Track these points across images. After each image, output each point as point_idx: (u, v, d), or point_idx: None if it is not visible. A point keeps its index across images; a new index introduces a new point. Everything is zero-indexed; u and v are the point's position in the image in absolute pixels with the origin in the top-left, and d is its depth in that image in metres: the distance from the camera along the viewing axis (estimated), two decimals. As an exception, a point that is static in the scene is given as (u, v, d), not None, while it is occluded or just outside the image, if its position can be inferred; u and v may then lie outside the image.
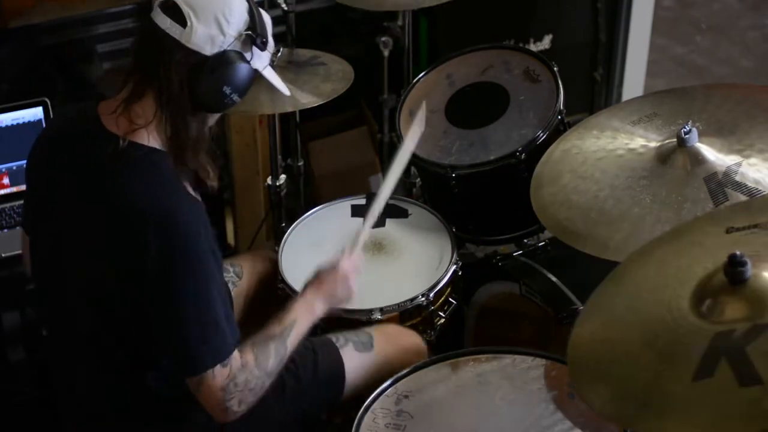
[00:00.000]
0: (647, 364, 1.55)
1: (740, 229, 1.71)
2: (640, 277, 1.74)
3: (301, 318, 2.01)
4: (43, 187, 1.99)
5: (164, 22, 1.84)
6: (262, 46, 1.90)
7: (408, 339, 2.30)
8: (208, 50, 1.84)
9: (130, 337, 1.92)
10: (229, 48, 1.85)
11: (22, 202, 2.78)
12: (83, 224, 1.89)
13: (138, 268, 1.82)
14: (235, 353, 1.88)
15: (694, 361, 1.50)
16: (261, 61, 1.93)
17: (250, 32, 1.87)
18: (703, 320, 1.55)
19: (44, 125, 2.83)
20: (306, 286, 2.12)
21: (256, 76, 1.94)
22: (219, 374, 1.85)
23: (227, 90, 1.86)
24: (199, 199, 1.93)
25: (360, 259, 2.18)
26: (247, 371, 1.88)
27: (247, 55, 1.88)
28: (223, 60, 1.85)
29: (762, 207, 1.79)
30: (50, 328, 2.13)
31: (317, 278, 2.11)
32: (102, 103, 1.93)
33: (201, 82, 1.84)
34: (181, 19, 1.83)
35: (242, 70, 1.87)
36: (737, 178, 2.01)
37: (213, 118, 1.96)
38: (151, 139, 1.87)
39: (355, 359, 2.19)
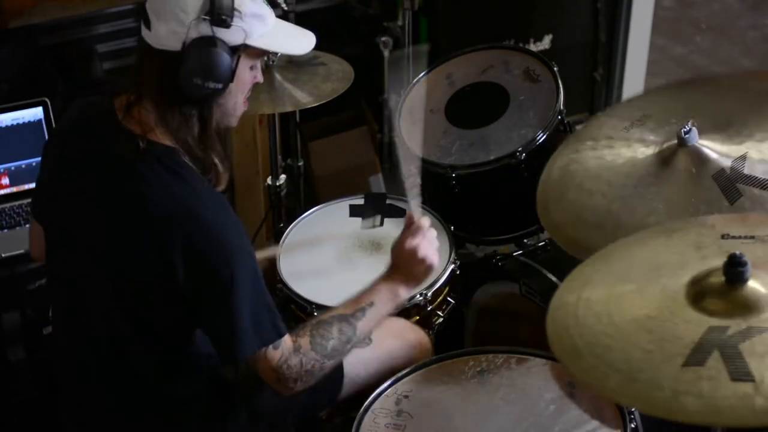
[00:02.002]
0: (636, 342, 1.56)
1: (736, 237, 1.72)
2: (631, 258, 1.76)
3: (380, 302, 2.00)
4: (62, 180, 1.99)
5: (142, 28, 1.86)
6: (223, 23, 1.81)
7: (413, 334, 2.29)
8: (175, 46, 1.82)
9: (155, 331, 1.92)
10: (191, 38, 1.81)
11: (22, 202, 2.79)
12: (104, 223, 1.89)
13: (172, 270, 1.82)
14: (287, 337, 1.90)
15: (686, 347, 1.51)
16: (238, 34, 1.84)
17: (205, 16, 1.80)
18: (697, 312, 1.57)
19: (44, 125, 2.83)
20: (386, 271, 2.07)
21: (241, 52, 1.86)
22: (271, 356, 1.88)
23: (198, 80, 1.82)
24: (214, 191, 1.93)
25: (428, 226, 2.07)
26: (300, 354, 1.90)
27: (223, 36, 1.82)
28: (187, 52, 1.81)
29: (758, 222, 1.81)
30: (58, 325, 2.13)
31: (393, 262, 2.06)
32: (117, 98, 1.93)
33: (177, 79, 1.82)
34: (147, 21, 1.84)
35: (208, 56, 1.81)
36: (746, 171, 1.99)
37: (218, 111, 1.91)
38: (161, 137, 1.88)
39: (353, 354, 2.15)
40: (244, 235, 1.89)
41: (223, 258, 1.83)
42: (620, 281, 1.71)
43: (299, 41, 2.01)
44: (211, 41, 1.81)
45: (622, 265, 1.77)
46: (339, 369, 2.15)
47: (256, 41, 1.87)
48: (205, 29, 1.81)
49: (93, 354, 1.99)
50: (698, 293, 1.60)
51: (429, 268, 2.06)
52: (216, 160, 1.92)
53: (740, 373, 1.45)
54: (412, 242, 2.04)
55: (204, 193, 1.87)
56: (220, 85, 1.84)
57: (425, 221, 2.08)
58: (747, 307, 1.55)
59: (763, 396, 1.42)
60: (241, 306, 1.84)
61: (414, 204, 2.14)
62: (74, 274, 1.98)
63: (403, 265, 2.05)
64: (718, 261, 1.61)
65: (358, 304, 1.99)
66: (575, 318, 1.66)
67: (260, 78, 1.97)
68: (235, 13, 1.82)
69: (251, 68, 1.92)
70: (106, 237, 1.89)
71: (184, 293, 1.85)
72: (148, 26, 1.84)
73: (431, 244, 2.06)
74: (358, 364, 2.16)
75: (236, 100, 1.93)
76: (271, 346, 1.88)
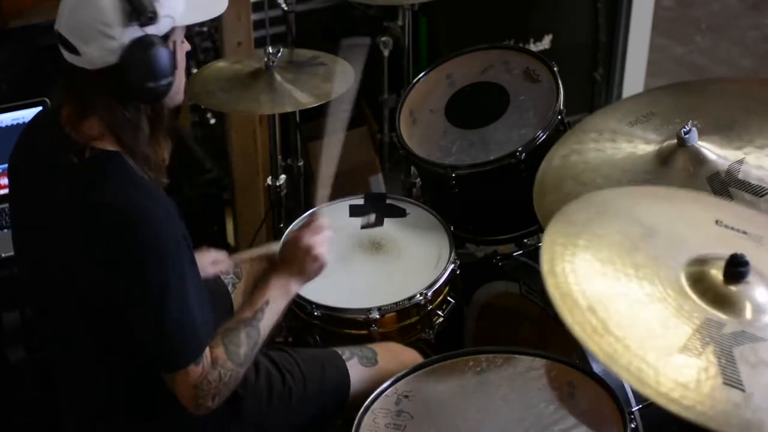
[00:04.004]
0: (632, 309, 1.57)
1: (729, 227, 1.72)
2: (628, 213, 1.78)
3: (274, 298, 2.00)
4: (19, 194, 1.99)
5: (66, 54, 1.84)
6: (149, 21, 1.78)
7: (409, 356, 2.29)
8: (112, 60, 1.79)
9: (107, 334, 1.89)
10: (126, 45, 1.78)
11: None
12: (57, 227, 1.87)
13: (110, 268, 1.80)
14: (207, 351, 1.86)
15: (683, 333, 1.51)
16: (166, 23, 1.81)
17: (131, 24, 1.77)
18: (696, 296, 1.58)
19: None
20: (276, 265, 2.10)
21: (172, 35, 1.84)
22: (192, 372, 1.84)
23: (151, 84, 1.80)
24: (167, 196, 1.90)
25: (323, 226, 2.14)
26: (218, 367, 1.87)
27: (154, 31, 1.79)
28: (128, 61, 1.79)
29: (749, 218, 1.82)
30: (45, 329, 2.13)
31: (284, 256, 2.11)
32: (64, 107, 1.92)
33: (126, 88, 1.81)
34: (72, 48, 1.81)
35: (152, 58, 1.78)
36: (740, 176, 2.01)
37: (168, 99, 1.88)
38: (107, 143, 1.85)
39: (359, 373, 2.19)
40: (185, 243, 1.84)
41: (156, 263, 1.79)
42: (621, 236, 1.71)
43: (215, 2, 1.96)
44: (149, 42, 1.79)
45: (621, 218, 1.77)
46: (345, 387, 2.16)
47: (181, 21, 1.85)
48: (136, 32, 1.78)
49: (72, 355, 2.00)
50: (697, 278, 1.60)
51: (321, 267, 2.09)
52: (165, 155, 1.92)
53: (732, 378, 1.44)
54: (309, 239, 2.09)
55: (148, 196, 1.83)
56: (170, 78, 1.83)
57: (324, 221, 2.15)
58: (740, 309, 1.55)
59: (751, 410, 1.42)
60: (168, 316, 1.79)
61: (321, 199, 2.30)
62: (42, 281, 1.97)
63: (298, 260, 2.07)
64: (715, 247, 1.62)
65: (256, 305, 1.98)
66: (572, 263, 1.65)
67: (188, 45, 1.94)
68: (156, 4, 1.79)
69: (182, 43, 1.90)
70: (60, 240, 1.87)
71: (117, 297, 1.82)
72: (75, 52, 1.81)
73: (317, 235, 2.11)
74: (362, 383, 2.17)
75: (180, 79, 1.90)
76: (193, 363, 1.83)
